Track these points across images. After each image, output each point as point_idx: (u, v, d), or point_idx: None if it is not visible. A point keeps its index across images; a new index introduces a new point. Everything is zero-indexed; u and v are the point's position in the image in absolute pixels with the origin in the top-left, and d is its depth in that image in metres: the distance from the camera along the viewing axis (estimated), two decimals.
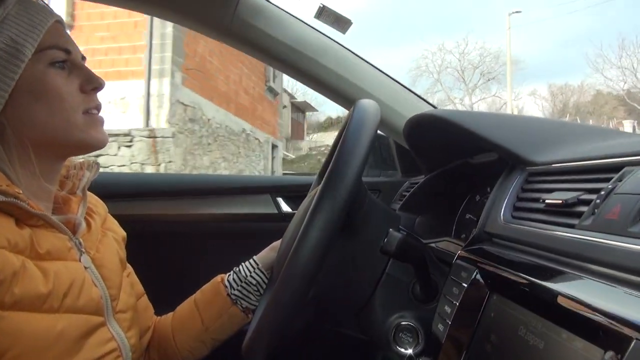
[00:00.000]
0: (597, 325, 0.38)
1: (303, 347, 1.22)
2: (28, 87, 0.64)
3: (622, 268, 0.42)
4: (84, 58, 0.72)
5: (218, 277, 0.91)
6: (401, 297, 0.88)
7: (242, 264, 0.92)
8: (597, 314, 0.38)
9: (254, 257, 0.92)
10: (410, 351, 0.80)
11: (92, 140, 0.69)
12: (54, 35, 0.67)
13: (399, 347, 0.83)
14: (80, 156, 0.75)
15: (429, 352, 0.77)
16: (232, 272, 0.91)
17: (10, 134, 0.64)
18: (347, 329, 1.10)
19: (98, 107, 0.71)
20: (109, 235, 0.79)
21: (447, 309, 0.68)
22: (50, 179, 0.69)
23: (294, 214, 0.96)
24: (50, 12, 0.68)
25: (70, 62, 0.69)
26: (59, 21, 0.69)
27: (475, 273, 0.64)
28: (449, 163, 1.07)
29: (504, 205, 0.70)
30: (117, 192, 1.36)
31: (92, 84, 0.70)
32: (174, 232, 1.44)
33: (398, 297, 0.88)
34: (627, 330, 0.35)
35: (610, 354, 0.35)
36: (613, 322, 0.36)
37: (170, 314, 0.92)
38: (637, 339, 0.34)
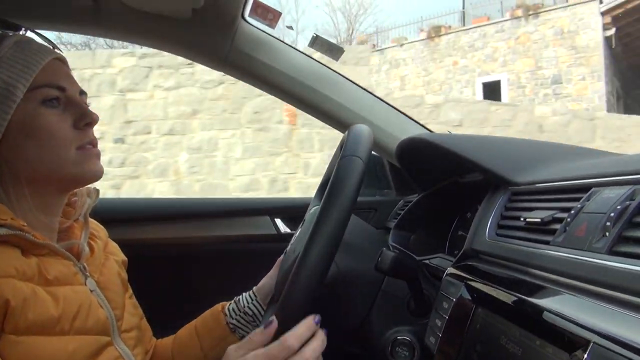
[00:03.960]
0: (562, 331, 0.42)
1: None
2: (20, 126, 0.66)
3: (587, 280, 0.46)
4: (83, 93, 0.74)
5: (219, 306, 0.92)
6: (397, 313, 0.92)
7: (243, 294, 0.93)
8: (563, 321, 0.43)
9: (254, 287, 0.93)
10: None
11: (86, 174, 0.70)
12: (49, 73, 0.68)
13: None
14: None
15: None
16: (232, 301, 0.93)
17: (6, 172, 0.67)
18: (345, 345, 1.13)
19: (92, 142, 0.72)
20: (111, 259, 0.82)
21: (438, 322, 0.73)
22: (50, 212, 0.71)
23: (293, 234, 1.00)
24: (48, 50, 0.70)
25: (65, 98, 0.70)
26: (57, 58, 0.72)
27: (462, 288, 0.68)
28: (440, 182, 1.11)
29: (489, 223, 0.74)
30: (116, 217, 1.38)
31: (84, 120, 0.70)
32: (174, 256, 1.47)
33: (394, 312, 0.92)
34: (587, 335, 0.39)
35: (574, 356, 0.40)
36: (576, 328, 0.41)
37: (171, 337, 0.94)
38: (594, 342, 0.38)
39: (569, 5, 12.45)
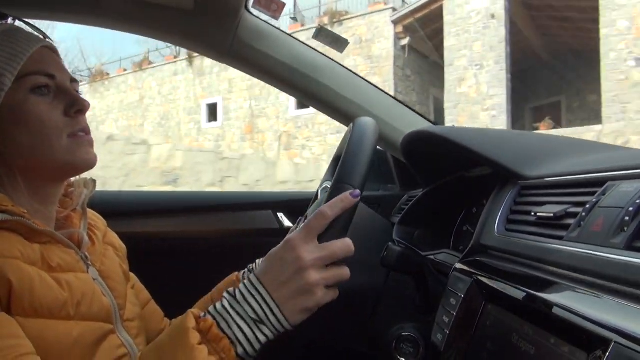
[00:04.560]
0: (581, 330, 0.41)
1: None
2: (10, 115, 0.65)
3: (605, 277, 0.45)
4: (74, 81, 0.73)
5: (233, 275, 0.92)
6: (402, 309, 0.91)
7: (257, 260, 0.92)
8: (581, 319, 0.41)
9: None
10: None
11: (78, 162, 0.70)
12: (38, 61, 0.68)
13: (401, 357, 0.86)
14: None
15: None
16: (247, 269, 0.92)
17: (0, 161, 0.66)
18: (349, 342, 1.12)
19: (85, 129, 0.71)
20: (111, 250, 0.82)
21: (445, 319, 0.71)
22: (46, 201, 0.71)
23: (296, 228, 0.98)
24: (36, 39, 0.70)
25: (55, 86, 0.69)
26: (46, 46, 0.71)
27: (471, 284, 0.67)
28: (445, 177, 1.10)
29: (498, 218, 0.73)
30: (116, 210, 1.38)
31: (75, 107, 0.69)
32: (176, 250, 1.46)
33: (399, 308, 0.91)
34: (607, 334, 0.38)
35: (593, 356, 0.38)
36: (595, 327, 0.39)
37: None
38: (615, 342, 0.36)
39: (366, 14, 12.41)
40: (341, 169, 0.67)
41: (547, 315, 0.47)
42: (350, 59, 12.66)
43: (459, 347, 0.64)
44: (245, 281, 0.62)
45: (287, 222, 1.48)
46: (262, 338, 0.59)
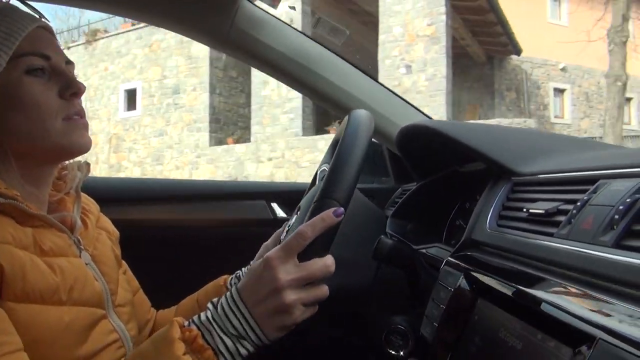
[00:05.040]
0: (567, 326, 0.41)
1: (296, 352, 1.25)
2: (3, 96, 0.64)
3: (593, 274, 0.45)
4: (69, 63, 0.71)
5: (221, 279, 0.92)
6: (392, 301, 0.91)
7: (246, 267, 0.92)
8: (567, 316, 0.42)
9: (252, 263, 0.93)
10: (399, 353, 0.83)
11: (73, 146, 0.69)
12: (33, 41, 0.66)
13: (390, 349, 0.86)
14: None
15: (417, 354, 0.80)
16: (234, 275, 0.92)
17: None
18: (339, 332, 1.12)
19: (79, 113, 0.70)
20: (104, 234, 0.81)
21: (435, 312, 0.72)
22: (39, 184, 0.70)
23: (288, 219, 0.98)
24: (32, 18, 0.68)
25: (50, 67, 0.68)
26: (42, 26, 0.69)
27: (461, 278, 0.67)
28: (439, 171, 1.10)
29: (490, 213, 0.73)
30: (108, 196, 1.37)
31: (70, 90, 0.68)
32: (168, 238, 1.45)
33: (389, 301, 0.91)
34: (592, 330, 0.38)
35: (578, 352, 0.39)
36: (581, 323, 0.40)
37: (173, 307, 0.94)
38: (601, 338, 0.37)
39: None
40: (327, 181, 0.66)
41: (534, 311, 0.48)
42: (173, 58, 12.96)
43: (448, 341, 0.65)
44: (228, 294, 0.63)
45: (280, 213, 1.48)
46: (244, 351, 0.60)
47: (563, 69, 14.16)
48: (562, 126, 13.83)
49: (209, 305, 0.63)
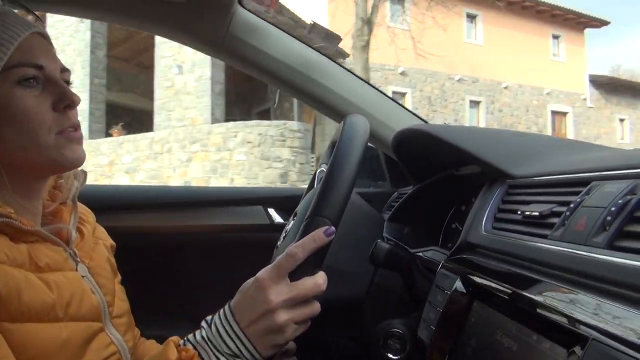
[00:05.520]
0: (561, 327, 0.41)
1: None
2: None
3: (586, 275, 0.45)
4: (65, 70, 0.69)
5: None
6: (389, 305, 0.91)
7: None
8: (561, 317, 0.42)
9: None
10: (397, 357, 0.83)
11: (65, 161, 0.66)
12: (26, 50, 0.63)
13: (388, 353, 0.86)
14: None
15: (415, 357, 0.80)
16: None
17: None
18: (336, 336, 1.12)
19: (74, 125, 0.67)
20: (100, 244, 0.80)
21: (432, 315, 0.72)
22: (31, 196, 0.69)
23: (286, 224, 0.98)
24: (26, 24, 0.65)
25: (43, 77, 0.65)
26: (38, 33, 0.66)
27: (457, 281, 0.67)
28: (435, 174, 1.10)
29: (486, 216, 0.73)
30: (103, 204, 1.36)
31: (64, 102, 0.65)
32: (165, 245, 1.45)
33: (386, 304, 0.91)
34: (585, 331, 0.38)
35: (572, 352, 0.39)
36: (574, 324, 0.40)
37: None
38: (593, 338, 0.37)
39: None
40: (318, 198, 0.66)
41: (530, 313, 0.48)
42: None
43: (444, 343, 0.65)
44: (221, 313, 0.63)
45: (277, 218, 1.48)
46: None
47: (402, 73, 14.20)
48: None
49: (203, 324, 0.64)
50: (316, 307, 0.64)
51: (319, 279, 0.63)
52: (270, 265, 0.63)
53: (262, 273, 0.63)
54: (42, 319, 0.60)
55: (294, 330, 0.62)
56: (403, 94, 14.35)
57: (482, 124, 15.29)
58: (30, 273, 0.60)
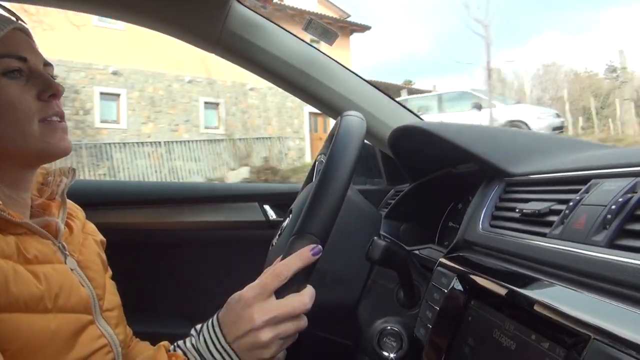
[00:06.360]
0: (561, 326, 0.41)
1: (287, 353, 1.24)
2: None
3: (586, 274, 0.45)
4: (47, 64, 0.71)
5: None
6: (386, 303, 0.91)
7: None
8: (561, 316, 0.42)
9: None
10: (393, 355, 0.83)
11: (50, 149, 0.68)
12: (8, 43, 0.66)
13: (384, 351, 0.86)
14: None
15: (411, 355, 0.80)
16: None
17: None
18: (332, 334, 1.12)
19: (58, 114, 0.69)
20: (90, 239, 0.81)
21: (429, 313, 0.71)
22: (18, 187, 0.69)
23: (281, 221, 0.98)
24: (7, 20, 0.68)
25: (27, 69, 0.67)
26: (18, 28, 0.69)
27: (454, 279, 0.67)
28: (432, 172, 1.10)
29: (483, 214, 0.73)
30: (94, 200, 1.35)
31: (49, 91, 0.68)
32: (159, 241, 1.44)
33: (383, 302, 0.91)
34: (586, 331, 0.38)
35: (572, 352, 0.39)
36: (574, 323, 0.39)
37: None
38: (594, 338, 0.37)
39: None
40: (305, 215, 0.65)
41: (528, 312, 0.48)
42: None
43: (442, 342, 0.64)
44: (209, 324, 0.64)
45: (273, 215, 1.48)
46: None
47: (114, 73, 13.52)
48: (115, 131, 13.34)
49: (193, 331, 0.65)
50: (302, 322, 0.64)
51: (305, 297, 0.64)
52: (255, 283, 0.64)
53: (247, 290, 0.63)
54: (31, 309, 0.59)
55: (279, 346, 0.63)
56: (118, 95, 13.60)
57: (221, 126, 14.79)
58: (19, 264, 0.61)
